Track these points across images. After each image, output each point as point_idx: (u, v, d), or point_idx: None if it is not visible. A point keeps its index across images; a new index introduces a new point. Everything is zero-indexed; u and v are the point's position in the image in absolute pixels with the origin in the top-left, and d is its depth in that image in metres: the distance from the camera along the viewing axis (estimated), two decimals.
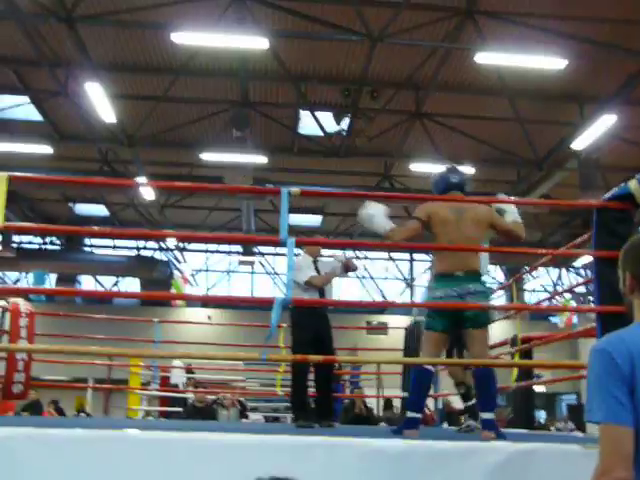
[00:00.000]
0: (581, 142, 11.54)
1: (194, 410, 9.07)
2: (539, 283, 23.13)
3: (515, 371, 5.81)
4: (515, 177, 14.55)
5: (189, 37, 9.32)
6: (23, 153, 13.38)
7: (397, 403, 9.67)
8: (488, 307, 3.88)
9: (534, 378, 6.80)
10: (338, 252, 18.55)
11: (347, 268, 5.47)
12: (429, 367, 3.95)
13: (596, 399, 1.61)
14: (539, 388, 16.52)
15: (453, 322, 3.94)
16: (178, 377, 10.88)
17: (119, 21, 10.16)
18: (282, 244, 3.29)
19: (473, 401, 5.36)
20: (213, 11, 9.74)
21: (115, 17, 9.94)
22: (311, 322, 5.11)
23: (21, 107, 12.93)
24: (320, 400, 5.35)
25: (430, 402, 8.35)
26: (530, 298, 22.79)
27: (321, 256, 5.74)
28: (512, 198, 5.56)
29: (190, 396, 9.85)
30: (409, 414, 3.93)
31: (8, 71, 11.98)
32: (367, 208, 4.10)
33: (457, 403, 6.09)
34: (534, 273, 21.09)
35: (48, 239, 21.64)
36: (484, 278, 4.08)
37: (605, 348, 1.63)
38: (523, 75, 10.87)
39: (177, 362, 10.70)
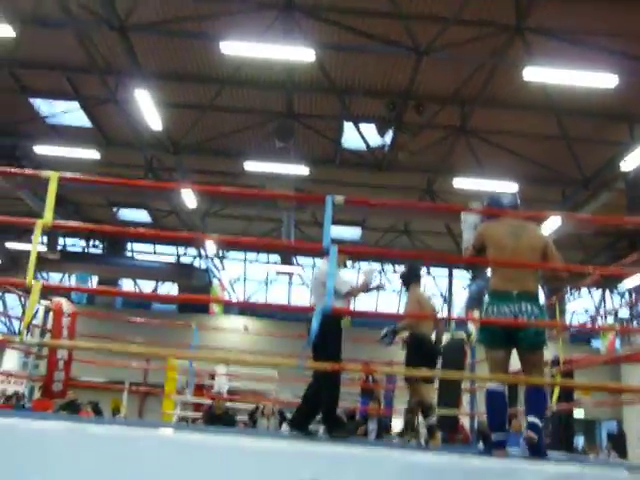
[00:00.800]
0: (630, 162, 11.27)
1: (214, 417, 9.14)
2: (581, 305, 22.63)
3: (556, 393, 5.67)
4: (560, 196, 14.29)
5: (237, 48, 9.42)
6: (71, 158, 13.70)
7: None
8: (530, 324, 3.79)
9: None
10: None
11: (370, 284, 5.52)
12: (496, 387, 3.99)
13: None
14: (578, 413, 16.10)
15: (507, 339, 3.97)
16: (222, 385, 10.91)
17: (169, 31, 10.36)
18: (325, 252, 3.28)
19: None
20: (261, 22, 9.86)
21: (165, 27, 10.15)
22: (340, 331, 5.10)
23: (71, 113, 13.26)
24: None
25: (466, 421, 8.22)
26: (571, 320, 22.28)
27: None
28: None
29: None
30: (493, 436, 3.97)
31: (61, 77, 12.31)
32: (467, 215, 4.53)
33: None
34: (576, 294, 20.65)
35: (91, 243, 22.07)
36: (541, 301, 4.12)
37: None
38: (571, 93, 10.70)
39: (221, 370, 10.71)
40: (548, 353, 6.41)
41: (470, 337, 8.09)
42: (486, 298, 4.14)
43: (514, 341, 3.96)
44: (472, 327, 8.18)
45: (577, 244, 17.34)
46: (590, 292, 21.79)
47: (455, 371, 7.08)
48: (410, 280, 6.39)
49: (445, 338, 9.00)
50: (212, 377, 11.26)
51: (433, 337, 6.11)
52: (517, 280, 3.99)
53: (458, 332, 8.11)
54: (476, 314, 13.36)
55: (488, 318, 4.03)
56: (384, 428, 9.57)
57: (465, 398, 8.38)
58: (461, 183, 13.36)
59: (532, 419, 3.88)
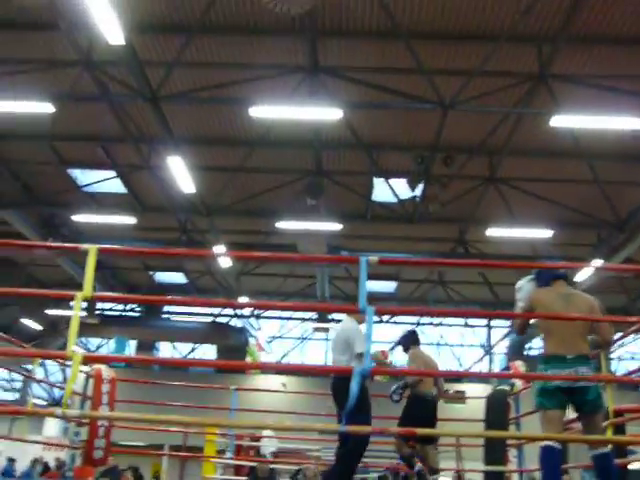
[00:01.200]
0: None
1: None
2: (626, 350, 21.97)
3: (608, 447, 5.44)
4: (595, 240, 14.08)
5: (265, 111, 9.69)
6: (108, 224, 14.07)
7: (478, 477, 9.21)
8: (578, 378, 3.70)
9: (628, 455, 6.35)
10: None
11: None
12: (555, 444, 3.92)
13: None
14: (634, 465, 15.40)
15: (566, 400, 4.02)
16: (268, 447, 10.72)
17: (199, 98, 10.69)
18: (361, 313, 3.27)
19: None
20: (288, 85, 10.12)
21: (195, 95, 10.48)
22: (367, 389, 4.98)
23: (108, 181, 13.65)
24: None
25: (515, 478, 7.93)
26: (617, 366, 21.63)
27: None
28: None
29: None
30: None
31: (97, 147, 12.73)
32: (524, 280, 4.70)
33: None
34: (621, 341, 20.07)
35: (129, 306, 22.34)
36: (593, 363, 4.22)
37: None
38: (600, 136, 10.68)
39: (267, 432, 10.55)
40: None
41: (513, 388, 7.87)
42: (540, 364, 4.21)
43: (577, 405, 4.05)
44: (516, 380, 7.96)
45: (618, 287, 16.96)
46: (634, 337, 21.15)
47: (499, 425, 6.87)
48: (408, 344, 6.86)
49: (486, 390, 8.79)
50: (253, 439, 11.11)
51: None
52: (571, 344, 4.07)
53: (501, 385, 7.89)
54: (519, 364, 13.05)
55: (545, 383, 4.08)
56: None
57: (512, 453, 8.10)
58: (494, 232, 13.29)
59: None
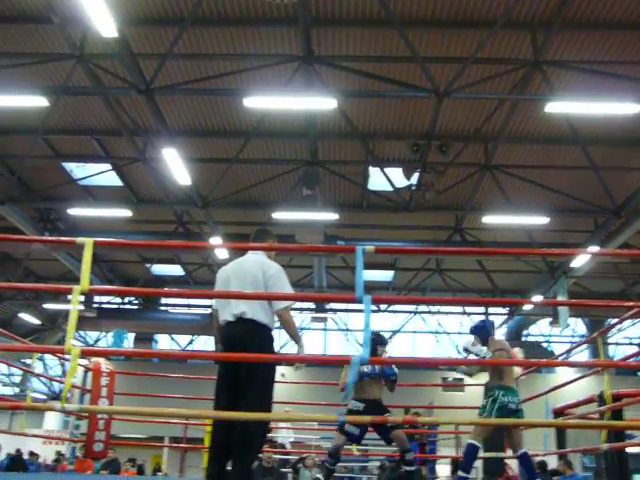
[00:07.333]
0: None
1: (262, 470, 9.05)
2: (623, 335, 22.08)
3: (604, 432, 5.48)
4: (592, 226, 14.10)
5: (260, 101, 9.65)
6: (105, 217, 14.05)
7: (477, 464, 9.25)
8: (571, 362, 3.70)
9: (627, 439, 6.40)
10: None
11: None
12: (477, 443, 5.51)
13: None
14: (634, 449, 15.50)
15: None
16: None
17: (193, 90, 10.64)
18: (358, 302, 3.28)
19: None
20: (282, 75, 10.07)
21: (189, 86, 10.43)
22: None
23: (103, 174, 13.61)
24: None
25: (514, 463, 7.99)
26: (615, 351, 21.75)
27: None
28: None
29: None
30: None
31: (92, 141, 12.69)
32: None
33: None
34: (618, 326, 20.16)
35: (127, 299, 22.36)
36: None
37: None
38: (596, 122, 10.68)
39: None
40: (592, 389, 6.25)
41: None
42: (499, 391, 5.72)
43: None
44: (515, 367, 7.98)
45: (614, 272, 17.01)
46: (632, 322, 21.26)
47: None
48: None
49: (485, 378, 8.81)
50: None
51: None
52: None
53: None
54: (517, 351, 13.06)
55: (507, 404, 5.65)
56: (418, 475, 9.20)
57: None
58: (490, 219, 13.30)
59: None
